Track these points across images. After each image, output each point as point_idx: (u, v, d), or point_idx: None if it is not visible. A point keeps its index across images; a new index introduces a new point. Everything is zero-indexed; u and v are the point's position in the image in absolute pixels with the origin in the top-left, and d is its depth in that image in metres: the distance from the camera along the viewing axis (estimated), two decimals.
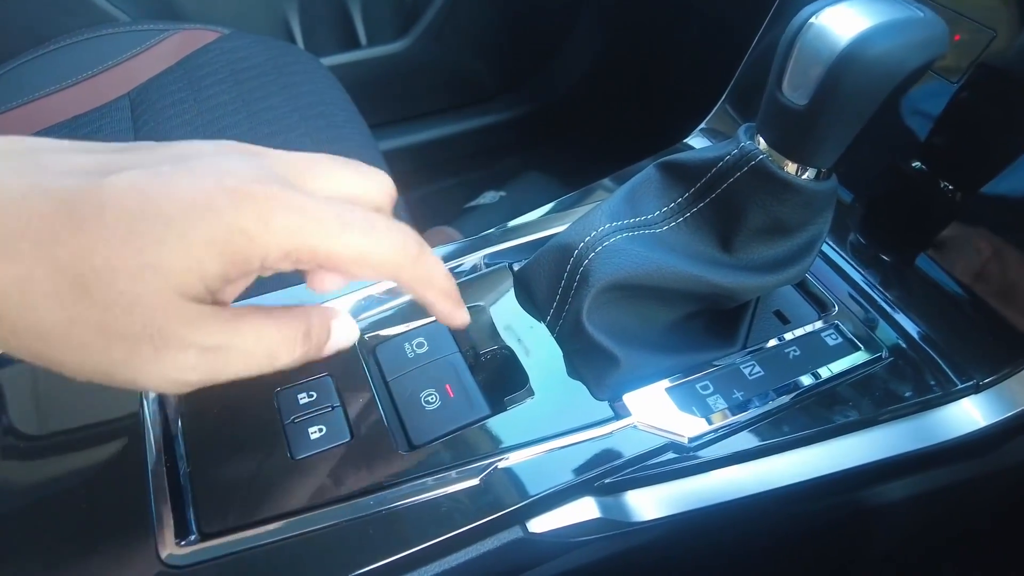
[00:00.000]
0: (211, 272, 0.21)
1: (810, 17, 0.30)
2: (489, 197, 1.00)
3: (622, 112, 1.14)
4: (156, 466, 0.30)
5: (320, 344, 0.27)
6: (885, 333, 0.38)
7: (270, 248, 0.22)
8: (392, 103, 1.12)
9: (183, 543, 0.28)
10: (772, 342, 0.36)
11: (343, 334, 0.29)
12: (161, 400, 0.33)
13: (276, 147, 0.70)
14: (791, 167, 0.32)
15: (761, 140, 0.33)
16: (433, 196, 1.15)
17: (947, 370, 0.36)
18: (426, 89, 1.13)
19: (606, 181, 0.48)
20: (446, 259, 0.41)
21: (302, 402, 0.33)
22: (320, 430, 0.32)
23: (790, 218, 0.34)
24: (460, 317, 0.28)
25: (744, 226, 0.34)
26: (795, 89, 0.30)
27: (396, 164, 0.71)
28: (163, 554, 0.28)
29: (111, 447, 0.31)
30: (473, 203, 1.00)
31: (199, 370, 0.22)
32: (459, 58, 1.11)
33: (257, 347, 0.23)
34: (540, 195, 1.02)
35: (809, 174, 0.33)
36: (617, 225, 0.35)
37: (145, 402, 0.32)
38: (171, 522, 0.28)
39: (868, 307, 0.39)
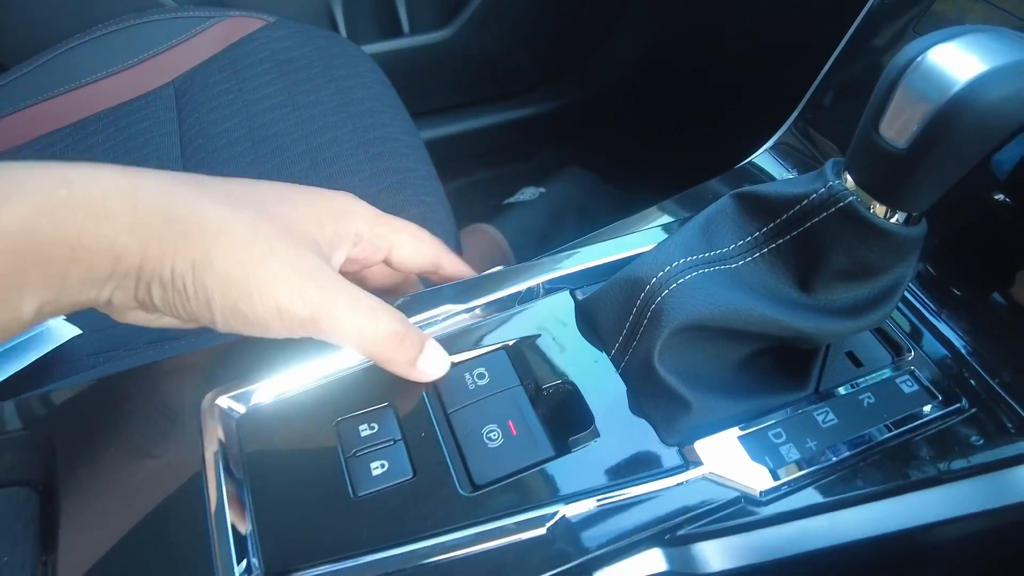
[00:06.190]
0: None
1: (917, 55, 0.28)
2: (528, 193, 0.98)
3: (667, 111, 1.11)
4: (217, 503, 0.30)
5: (410, 357, 0.33)
6: (963, 380, 0.36)
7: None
8: (432, 92, 1.10)
9: None
10: (846, 388, 0.35)
11: (437, 358, 0.34)
12: (222, 432, 0.32)
13: (323, 144, 0.69)
14: (880, 209, 0.31)
15: (848, 178, 0.31)
16: (470, 187, 1.14)
17: None
18: (467, 79, 1.11)
19: (667, 203, 0.46)
20: (501, 282, 0.39)
21: (363, 434, 0.32)
22: (382, 465, 0.31)
23: (874, 262, 0.32)
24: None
25: (825, 267, 0.33)
26: (895, 130, 0.29)
27: (433, 154, 0.70)
28: None
29: (172, 481, 0.31)
30: (512, 199, 0.99)
31: (308, 304, 0.28)
32: (502, 48, 1.09)
33: (354, 308, 0.30)
34: (580, 192, 1.00)
35: (899, 218, 0.31)
36: (692, 260, 0.33)
37: (206, 431, 0.32)
38: (234, 558, 0.28)
39: (945, 350, 0.37)
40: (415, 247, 0.38)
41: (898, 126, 0.28)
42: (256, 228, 0.28)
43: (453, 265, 0.40)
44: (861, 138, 0.30)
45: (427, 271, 0.39)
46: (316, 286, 0.29)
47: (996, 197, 0.41)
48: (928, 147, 0.27)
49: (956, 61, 0.26)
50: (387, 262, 0.38)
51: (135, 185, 0.26)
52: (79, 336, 0.54)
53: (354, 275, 0.39)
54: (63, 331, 0.54)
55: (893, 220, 0.31)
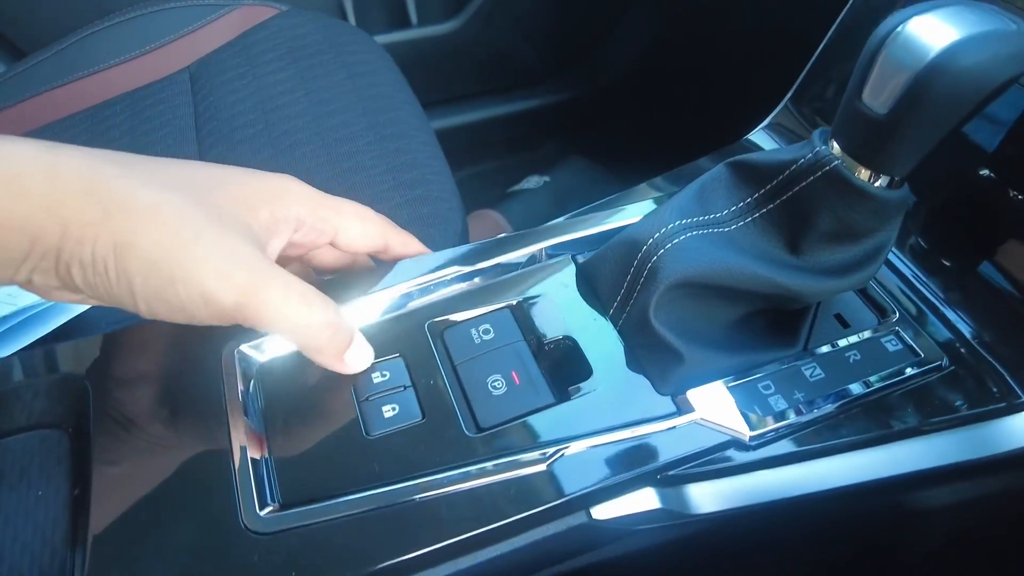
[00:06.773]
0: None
1: (897, 26, 0.30)
2: (533, 182, 1.00)
3: (669, 102, 1.13)
4: (239, 441, 0.32)
5: (340, 349, 0.32)
6: (945, 340, 0.38)
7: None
8: (439, 83, 1.12)
9: (264, 511, 0.30)
10: (832, 345, 0.37)
11: (363, 351, 0.34)
12: (243, 379, 0.34)
13: (335, 126, 0.71)
14: (864, 174, 0.33)
15: (835, 145, 0.33)
16: (475, 178, 1.16)
17: (1010, 381, 0.36)
18: (473, 70, 1.13)
19: (658, 180, 0.48)
20: (507, 247, 0.41)
21: (376, 381, 0.34)
22: (393, 409, 0.33)
23: (859, 224, 0.34)
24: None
25: (813, 229, 0.35)
26: (876, 98, 0.30)
27: (440, 143, 0.72)
28: (246, 521, 0.29)
29: (196, 422, 0.33)
30: (516, 187, 1.01)
31: (235, 291, 0.27)
32: (508, 40, 1.11)
33: (286, 296, 0.29)
34: (583, 182, 1.02)
35: (882, 182, 0.33)
36: (686, 223, 0.35)
37: (227, 377, 0.34)
38: (254, 491, 0.30)
39: (929, 313, 0.39)
40: (362, 229, 0.37)
41: (879, 93, 0.30)
42: (183, 212, 0.27)
43: (403, 245, 0.39)
44: (846, 106, 0.32)
45: (375, 251, 0.39)
46: (245, 273, 0.28)
47: (981, 172, 0.43)
48: (906, 112, 0.29)
49: (932, 31, 0.28)
50: (334, 244, 0.37)
51: (55, 162, 0.25)
52: (97, 307, 0.56)
53: (300, 258, 0.38)
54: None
55: (876, 184, 0.33)
